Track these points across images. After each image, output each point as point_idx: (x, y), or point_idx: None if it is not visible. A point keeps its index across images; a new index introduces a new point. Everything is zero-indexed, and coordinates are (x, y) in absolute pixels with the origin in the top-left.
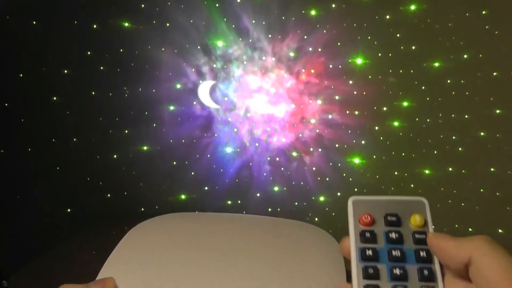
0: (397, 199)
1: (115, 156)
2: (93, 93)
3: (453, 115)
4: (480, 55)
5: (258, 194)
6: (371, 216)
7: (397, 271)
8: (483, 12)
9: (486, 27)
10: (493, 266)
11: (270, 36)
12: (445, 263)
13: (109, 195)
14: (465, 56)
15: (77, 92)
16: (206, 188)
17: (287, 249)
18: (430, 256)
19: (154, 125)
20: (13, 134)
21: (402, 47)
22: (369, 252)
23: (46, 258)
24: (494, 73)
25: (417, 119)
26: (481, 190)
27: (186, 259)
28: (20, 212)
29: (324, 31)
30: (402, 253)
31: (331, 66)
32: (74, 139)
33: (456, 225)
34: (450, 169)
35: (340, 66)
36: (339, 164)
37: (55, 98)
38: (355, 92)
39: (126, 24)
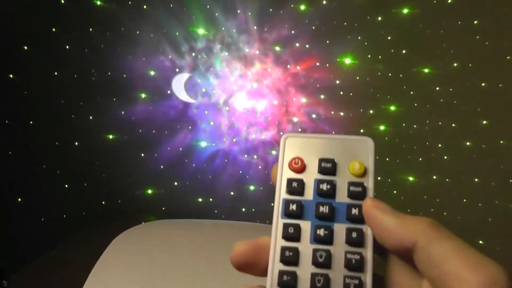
0: (337, 138)
1: (76, 143)
2: (55, 73)
3: (440, 123)
4: (470, 65)
5: (232, 193)
6: (302, 161)
7: (321, 232)
8: (475, 22)
9: (477, 37)
10: (449, 253)
11: (255, 27)
12: (381, 241)
13: (66, 186)
14: (455, 64)
15: (38, 71)
16: (175, 183)
17: None
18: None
19: (123, 112)
20: None
21: (392, 50)
22: (293, 207)
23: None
24: (483, 84)
25: (403, 124)
26: (464, 200)
27: (174, 268)
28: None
29: (313, 27)
30: (331, 209)
31: (317, 63)
32: (31, 122)
33: None
34: (434, 177)
35: (327, 65)
36: None
37: (12, 76)
38: (341, 93)
39: (99, 3)
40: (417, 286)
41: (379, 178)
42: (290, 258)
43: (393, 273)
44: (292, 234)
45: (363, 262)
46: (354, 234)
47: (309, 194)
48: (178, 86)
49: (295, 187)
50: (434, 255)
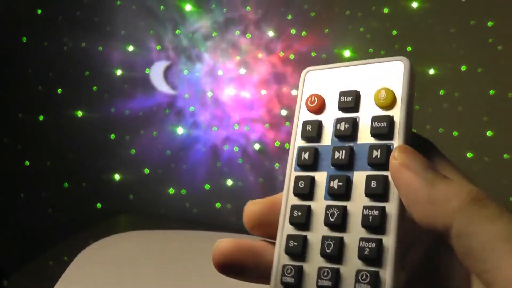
0: (364, 64)
1: (41, 117)
2: (24, 39)
3: (441, 130)
4: (479, 69)
5: (207, 186)
6: (321, 98)
7: (334, 184)
8: (489, 24)
9: (490, 40)
10: (496, 243)
11: (248, 9)
12: (410, 214)
13: (27, 163)
14: (463, 67)
15: (4, 35)
16: (146, 170)
17: None
18: (389, 155)
19: (95, 88)
20: None
21: (396, 46)
22: (305, 155)
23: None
24: (491, 91)
25: None
26: None
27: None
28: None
29: (312, 14)
30: (350, 154)
31: (314, 53)
32: None
33: None
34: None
35: (324, 56)
36: None
37: None
38: None
39: None
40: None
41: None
42: (299, 219)
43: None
44: (303, 190)
45: (385, 221)
46: (373, 184)
47: (327, 138)
48: (157, 75)
49: (310, 130)
50: (475, 246)
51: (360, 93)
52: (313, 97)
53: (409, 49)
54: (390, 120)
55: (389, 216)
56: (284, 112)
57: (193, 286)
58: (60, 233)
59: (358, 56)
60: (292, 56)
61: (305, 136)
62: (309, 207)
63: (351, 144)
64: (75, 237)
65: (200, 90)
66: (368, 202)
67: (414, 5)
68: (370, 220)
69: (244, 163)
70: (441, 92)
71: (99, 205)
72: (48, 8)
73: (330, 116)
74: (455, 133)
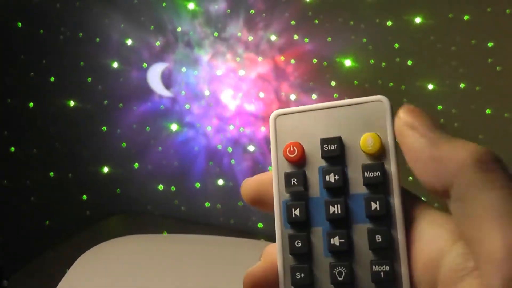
0: (341, 106)
1: (31, 104)
2: (18, 24)
3: None
4: (477, 88)
5: (197, 184)
6: (300, 147)
7: (335, 241)
8: (489, 45)
9: (489, 60)
10: (489, 211)
11: (252, 12)
12: (414, 174)
13: (12, 149)
14: (462, 85)
15: None
16: (136, 165)
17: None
18: (388, 207)
19: (89, 79)
20: None
21: (397, 59)
22: (296, 212)
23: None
24: (488, 110)
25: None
26: None
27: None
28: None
29: (316, 21)
30: (345, 207)
31: (315, 60)
32: None
33: None
34: (423, 199)
35: (325, 63)
36: None
37: None
38: (335, 95)
39: None
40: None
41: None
42: (304, 280)
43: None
44: (300, 249)
45: (396, 276)
46: (378, 238)
47: (314, 190)
48: (154, 77)
49: (295, 184)
50: (468, 212)
51: (344, 139)
52: (291, 146)
53: (409, 63)
54: (382, 168)
55: (397, 272)
56: None
57: None
58: (40, 220)
59: (359, 66)
60: (293, 61)
61: (292, 191)
62: (310, 267)
63: (343, 196)
64: (74, 237)
65: (197, 89)
66: (374, 256)
67: (418, 20)
68: (382, 276)
69: (236, 164)
70: (439, 107)
71: (84, 197)
72: None
73: (313, 166)
74: None
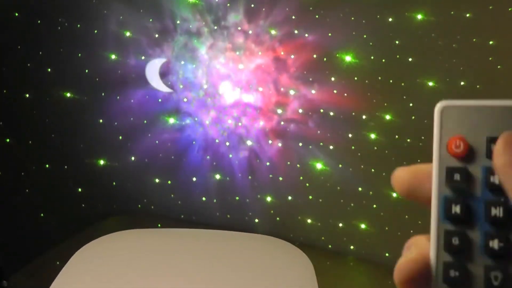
0: (508, 106)
1: (27, 95)
2: (16, 14)
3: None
4: (478, 86)
5: (194, 178)
6: (466, 142)
7: (494, 244)
8: (490, 43)
9: (490, 58)
10: None
11: (253, 6)
12: None
13: (8, 140)
14: (462, 82)
15: None
16: (132, 158)
17: (255, 267)
18: None
19: (86, 71)
20: None
21: (398, 56)
22: (456, 209)
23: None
24: None
25: (396, 136)
26: None
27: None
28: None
29: (317, 16)
30: (507, 210)
31: (315, 55)
32: None
33: None
34: None
35: (325, 59)
36: (298, 165)
37: None
38: (335, 91)
39: None
40: None
41: (359, 189)
42: (457, 280)
43: None
44: (457, 247)
45: None
46: None
47: (476, 189)
48: (153, 73)
49: (458, 180)
50: None
51: None
52: (457, 141)
53: (410, 59)
54: None
55: None
56: (279, 111)
57: (188, 283)
58: (34, 214)
59: (359, 62)
60: (292, 56)
61: (453, 186)
62: (465, 266)
63: (504, 198)
64: (74, 237)
65: (195, 83)
66: None
67: (419, 17)
68: None
69: (234, 159)
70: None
71: (79, 190)
72: None
73: (477, 164)
74: None
